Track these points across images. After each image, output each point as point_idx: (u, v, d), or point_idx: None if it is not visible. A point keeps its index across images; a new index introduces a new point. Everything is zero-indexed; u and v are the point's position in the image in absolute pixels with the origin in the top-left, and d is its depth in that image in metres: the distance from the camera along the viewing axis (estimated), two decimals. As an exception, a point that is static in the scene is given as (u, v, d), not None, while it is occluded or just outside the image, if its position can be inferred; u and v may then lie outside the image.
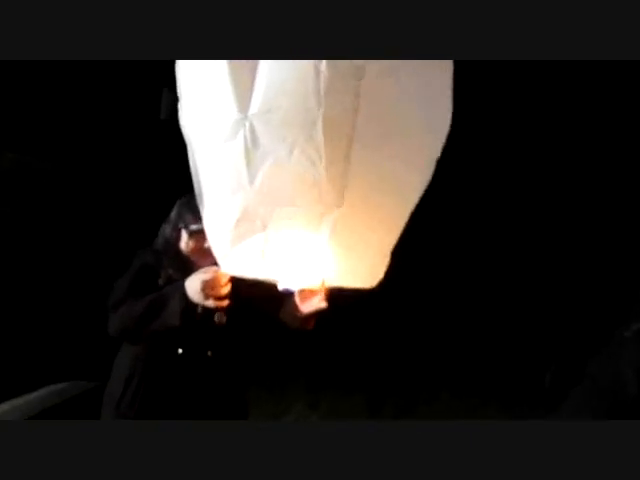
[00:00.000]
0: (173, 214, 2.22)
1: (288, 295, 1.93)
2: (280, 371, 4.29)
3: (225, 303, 1.86)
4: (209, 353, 2.14)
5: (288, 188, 1.55)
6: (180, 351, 2.10)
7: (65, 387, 3.29)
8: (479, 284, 4.41)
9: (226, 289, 1.83)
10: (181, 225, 2.17)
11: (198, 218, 2.09)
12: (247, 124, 1.53)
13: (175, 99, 1.74)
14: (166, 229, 2.23)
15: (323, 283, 1.60)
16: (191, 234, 2.14)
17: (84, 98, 4.60)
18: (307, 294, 1.87)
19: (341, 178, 1.53)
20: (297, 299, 1.90)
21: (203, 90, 1.60)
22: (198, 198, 1.69)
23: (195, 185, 1.70)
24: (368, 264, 1.69)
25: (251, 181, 1.56)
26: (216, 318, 2.12)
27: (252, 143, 1.54)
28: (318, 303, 1.81)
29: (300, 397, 4.65)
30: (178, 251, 2.18)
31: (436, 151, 1.70)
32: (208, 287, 1.83)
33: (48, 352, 4.08)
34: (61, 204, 4.62)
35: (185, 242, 2.16)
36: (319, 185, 1.53)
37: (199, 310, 2.02)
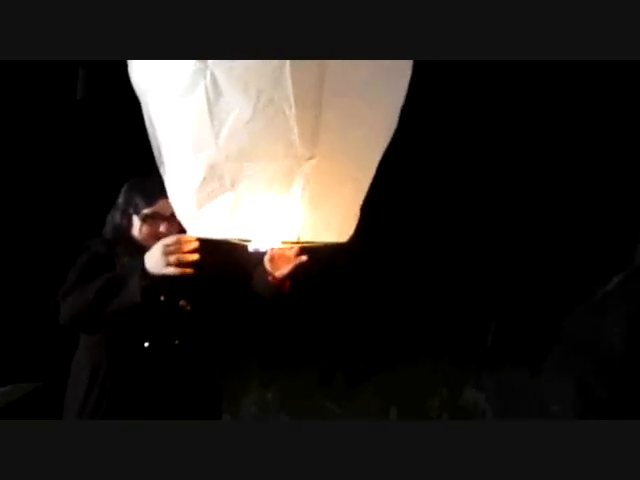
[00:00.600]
0: (120, 200, 2.08)
1: (259, 262, 1.86)
2: (233, 351, 4.19)
3: (188, 270, 1.74)
4: (176, 342, 2.04)
5: (257, 142, 1.44)
6: (147, 344, 1.99)
7: (6, 390, 3.11)
8: (429, 246, 4.45)
9: (191, 257, 1.72)
10: (131, 211, 2.04)
11: (149, 201, 1.98)
12: (208, 74, 1.40)
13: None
14: (115, 216, 2.09)
15: (299, 238, 1.53)
16: (144, 219, 2.02)
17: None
18: (277, 259, 1.81)
19: (313, 127, 1.44)
20: (268, 265, 1.83)
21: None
22: (157, 160, 1.57)
23: (153, 147, 1.57)
24: (340, 218, 1.63)
25: (216, 137, 1.45)
26: (180, 303, 2.03)
27: (214, 95, 1.42)
28: (294, 261, 1.75)
29: (254, 375, 4.60)
30: (130, 238, 2.04)
31: (400, 100, 1.65)
32: (170, 251, 1.70)
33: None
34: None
35: (138, 228, 2.03)
36: (290, 136, 1.43)
37: (162, 298, 1.92)
